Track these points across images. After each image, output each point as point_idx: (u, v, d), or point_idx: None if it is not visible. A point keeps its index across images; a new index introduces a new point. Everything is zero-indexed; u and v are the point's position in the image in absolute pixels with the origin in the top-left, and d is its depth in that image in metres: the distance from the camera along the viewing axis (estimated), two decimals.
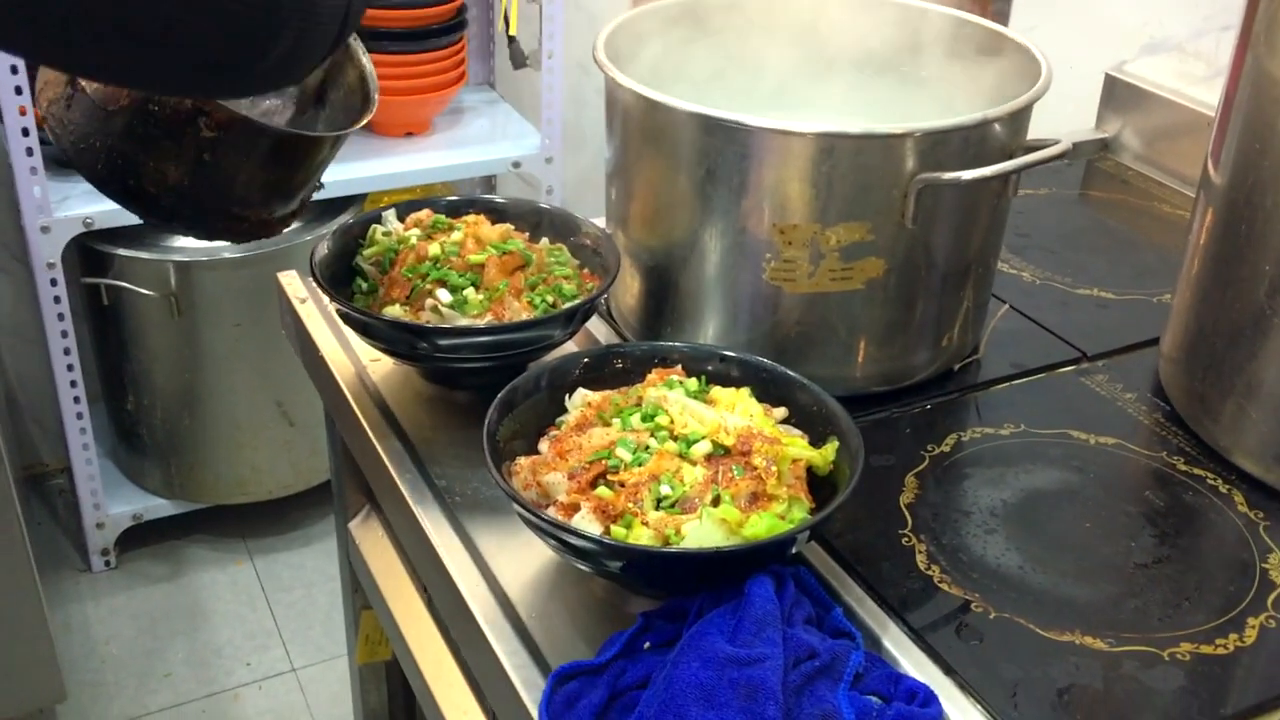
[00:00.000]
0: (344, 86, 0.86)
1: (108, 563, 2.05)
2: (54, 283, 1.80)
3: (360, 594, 1.21)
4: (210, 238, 0.81)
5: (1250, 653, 0.72)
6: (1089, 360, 1.00)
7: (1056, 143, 0.88)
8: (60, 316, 1.83)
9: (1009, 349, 1.01)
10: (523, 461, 0.75)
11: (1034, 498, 0.84)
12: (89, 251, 1.87)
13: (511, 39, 2.04)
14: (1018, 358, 1.00)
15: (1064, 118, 1.45)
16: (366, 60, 0.87)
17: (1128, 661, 0.71)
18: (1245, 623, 0.74)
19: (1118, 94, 1.37)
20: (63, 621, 1.93)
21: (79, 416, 1.92)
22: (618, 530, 0.69)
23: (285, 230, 0.82)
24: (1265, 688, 0.70)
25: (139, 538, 2.07)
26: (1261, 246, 0.82)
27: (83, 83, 0.71)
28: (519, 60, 2.07)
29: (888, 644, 0.72)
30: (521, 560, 0.79)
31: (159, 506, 2.05)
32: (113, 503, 2.03)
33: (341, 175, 1.91)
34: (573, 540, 0.68)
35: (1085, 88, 1.42)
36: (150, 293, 1.85)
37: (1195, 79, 1.30)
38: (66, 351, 1.86)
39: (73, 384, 1.89)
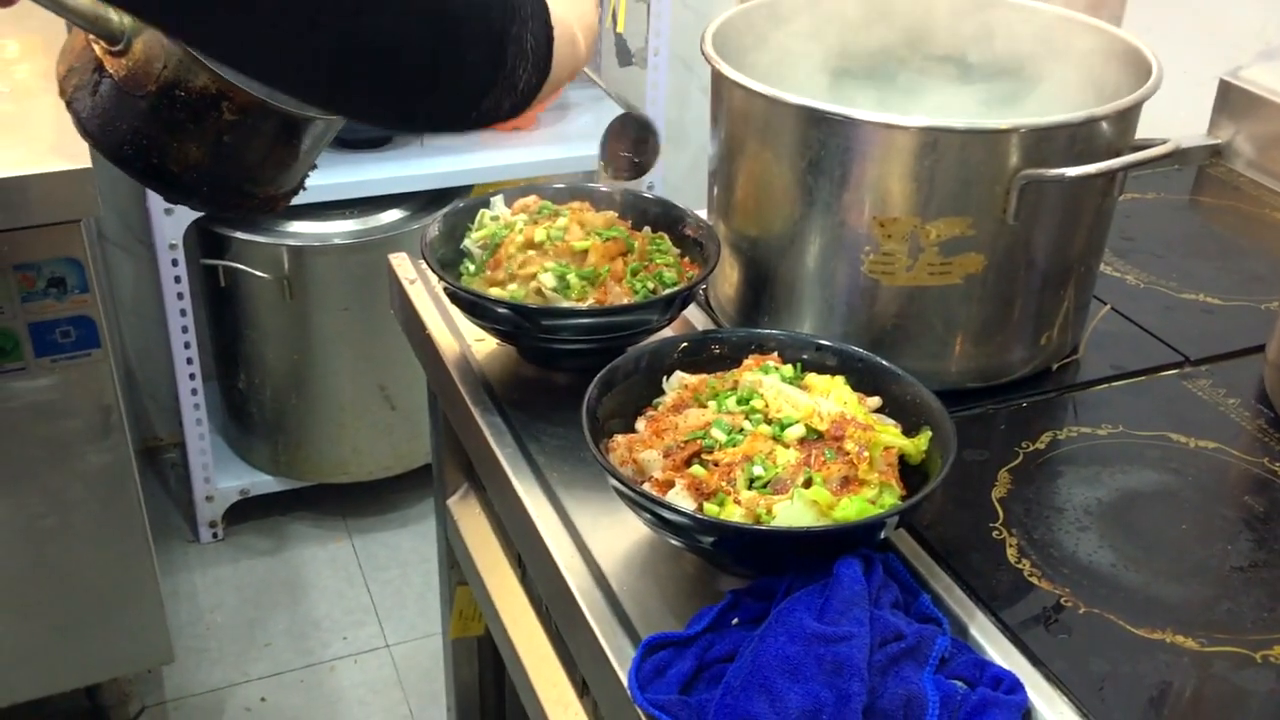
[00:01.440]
0: None
1: (215, 535, 2.13)
2: (175, 263, 1.87)
3: (456, 570, 1.25)
4: (221, 212, 0.85)
5: None
6: (1191, 364, 0.99)
7: (1164, 142, 0.87)
8: (180, 296, 1.91)
9: (1109, 350, 1.01)
10: (620, 439, 0.78)
11: (1129, 497, 0.84)
12: (208, 234, 1.94)
13: (619, 36, 2.07)
14: (1118, 359, 0.99)
15: (1176, 123, 1.43)
16: None
17: (1219, 662, 0.70)
18: None
19: (1232, 100, 1.34)
20: (171, 589, 2.01)
21: (194, 393, 2.00)
22: (710, 507, 0.71)
23: (285, 207, 0.87)
24: None
25: (245, 512, 2.15)
26: None
27: (110, 69, 0.74)
28: (625, 57, 2.09)
29: (975, 633, 0.72)
30: (615, 536, 0.82)
31: (265, 483, 2.12)
32: (222, 477, 2.11)
33: (449, 167, 1.96)
34: (667, 515, 0.70)
35: (1198, 93, 1.39)
36: (264, 275, 1.92)
37: None
38: (184, 330, 1.94)
39: (189, 361, 1.97)
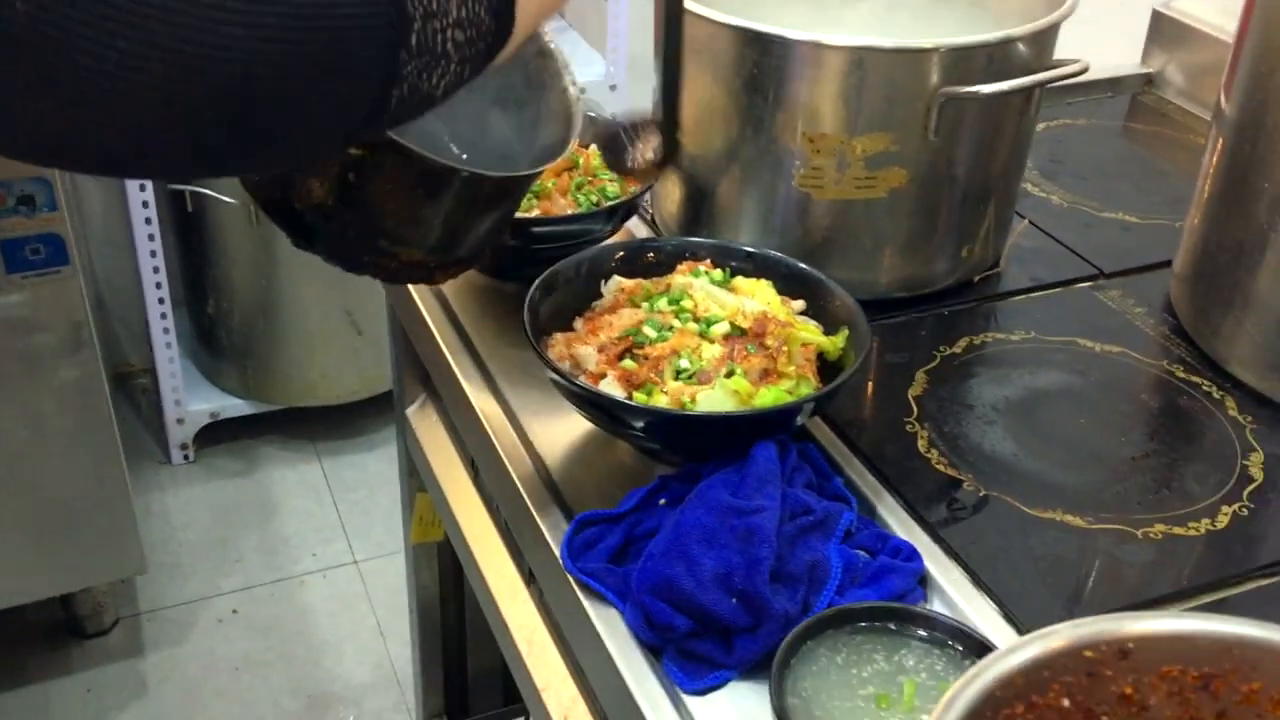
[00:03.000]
0: (547, 116, 0.79)
1: (186, 457, 2.18)
2: (142, 188, 1.90)
3: (415, 478, 1.31)
4: (355, 270, 0.72)
5: (1221, 536, 0.78)
6: (1106, 277, 1.05)
7: (1076, 61, 0.92)
8: (148, 221, 1.94)
9: (1030, 264, 1.06)
10: (558, 336, 0.83)
11: (1035, 396, 0.90)
12: None
13: None
14: (1037, 273, 1.05)
15: (1115, 53, 1.48)
16: (574, 91, 0.79)
17: (1103, 537, 0.77)
18: (1219, 510, 0.80)
19: (1163, 30, 1.40)
20: (144, 509, 2.06)
21: (163, 318, 2.04)
22: (639, 396, 0.77)
23: (444, 279, 0.74)
24: (1229, 565, 0.76)
25: (216, 435, 2.20)
26: (1264, 166, 0.87)
27: None
28: None
29: (882, 512, 0.79)
30: (556, 430, 0.87)
31: (235, 406, 2.17)
32: (192, 400, 2.16)
33: None
34: (600, 402, 0.76)
35: (1136, 23, 1.45)
36: (231, 200, 1.95)
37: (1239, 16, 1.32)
38: (153, 255, 1.97)
39: (158, 286, 2.01)
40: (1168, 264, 1.05)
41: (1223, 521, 0.79)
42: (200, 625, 1.87)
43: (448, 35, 0.51)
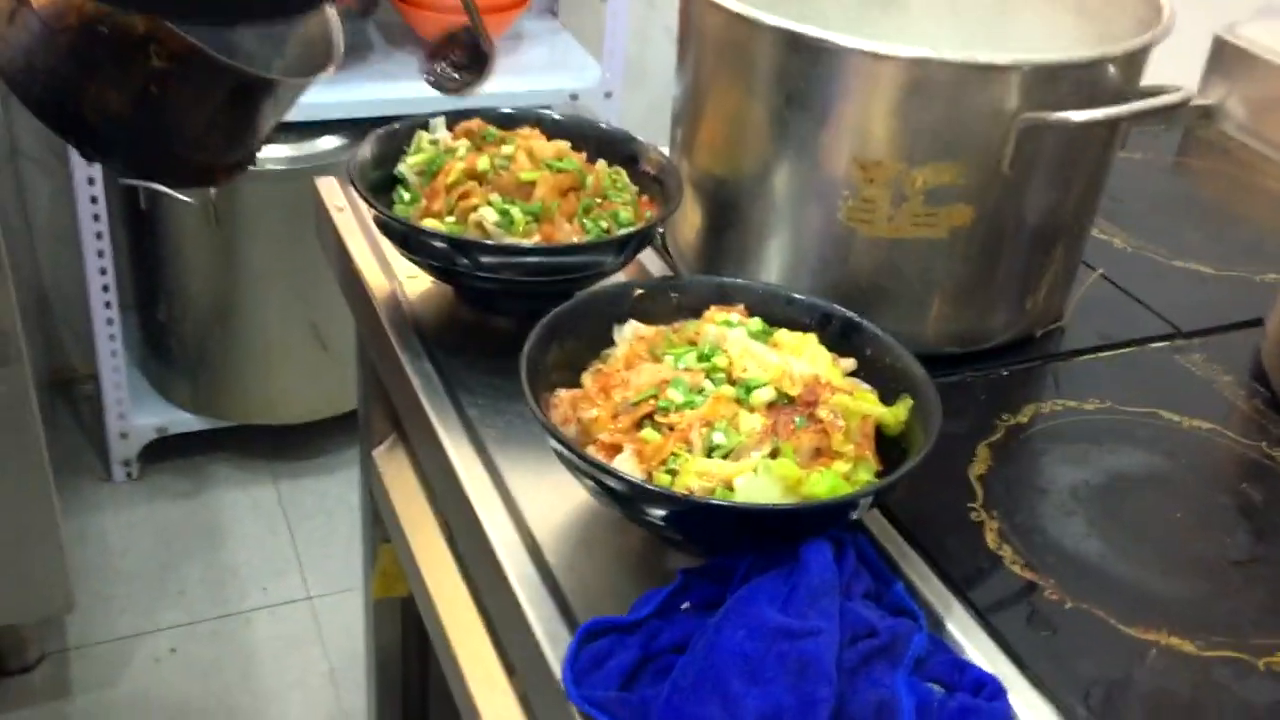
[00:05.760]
0: (303, 35, 0.81)
1: (129, 474, 2.01)
2: (91, 181, 1.75)
3: (380, 526, 1.16)
4: (144, 178, 0.83)
5: None
6: (1184, 337, 0.92)
7: (1178, 89, 0.79)
8: (96, 218, 1.78)
9: (1096, 319, 0.93)
10: (563, 394, 0.69)
11: (1118, 480, 0.77)
12: None
13: None
14: (1105, 329, 0.92)
15: (1165, 81, 1.36)
16: (331, 10, 0.82)
17: (1218, 669, 0.64)
18: None
19: (1226, 58, 1.27)
20: (79, 531, 1.89)
21: (109, 323, 1.88)
22: (662, 476, 0.62)
23: (228, 182, 0.78)
24: None
25: (163, 451, 2.04)
26: None
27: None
28: None
29: (951, 627, 0.65)
30: (554, 503, 0.73)
31: (185, 421, 2.01)
32: (138, 413, 1.99)
33: (395, 94, 1.85)
34: (612, 483, 0.62)
35: (1190, 50, 1.32)
36: (188, 199, 1.80)
37: None
38: (100, 254, 1.81)
39: (105, 288, 1.85)
40: (1254, 324, 0.92)
41: None
42: (135, 665, 1.70)
43: None
